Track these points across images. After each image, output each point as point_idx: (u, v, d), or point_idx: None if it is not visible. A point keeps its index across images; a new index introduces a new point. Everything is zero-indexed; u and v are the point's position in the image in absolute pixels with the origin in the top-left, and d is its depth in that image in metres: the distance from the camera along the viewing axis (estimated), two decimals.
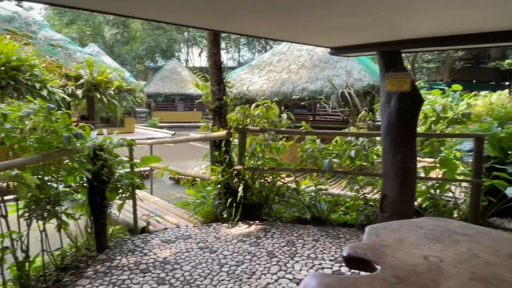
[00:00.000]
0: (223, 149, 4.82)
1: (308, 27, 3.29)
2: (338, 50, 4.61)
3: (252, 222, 4.76)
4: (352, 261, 1.90)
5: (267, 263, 3.59)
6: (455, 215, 4.85)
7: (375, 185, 5.08)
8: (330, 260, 3.70)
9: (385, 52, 4.35)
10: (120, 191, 3.81)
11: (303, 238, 4.26)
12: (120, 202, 3.94)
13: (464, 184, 5.01)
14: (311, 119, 12.00)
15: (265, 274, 3.36)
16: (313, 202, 5.04)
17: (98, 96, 12.23)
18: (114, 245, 3.96)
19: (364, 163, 5.10)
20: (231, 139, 5.00)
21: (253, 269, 3.45)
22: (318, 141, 5.14)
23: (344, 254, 1.91)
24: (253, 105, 5.12)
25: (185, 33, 40.19)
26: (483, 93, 10.28)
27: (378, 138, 5.59)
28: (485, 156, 5.14)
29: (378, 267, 1.76)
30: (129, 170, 3.99)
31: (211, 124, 5.19)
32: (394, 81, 4.26)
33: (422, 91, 8.98)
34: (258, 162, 5.00)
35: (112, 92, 12.92)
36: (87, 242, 3.81)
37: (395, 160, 4.25)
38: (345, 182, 5.45)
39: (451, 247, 1.97)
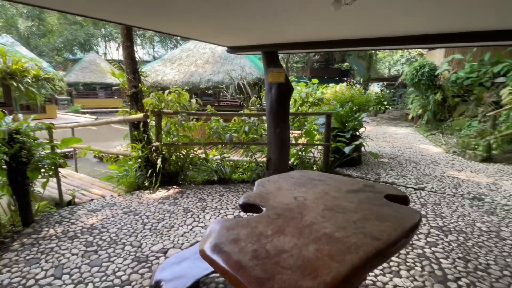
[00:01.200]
0: (142, 129, 4.45)
1: (209, 28, 3.17)
2: (233, 49, 4.57)
3: (170, 187, 4.57)
4: (246, 207, 1.97)
5: (183, 217, 3.52)
6: (315, 168, 5.41)
7: (263, 151, 5.33)
8: (232, 209, 3.80)
9: (267, 52, 4.48)
10: (43, 170, 3.23)
11: (212, 195, 4.28)
12: (44, 180, 3.37)
13: (320, 147, 5.57)
14: (216, 104, 11.88)
15: (181, 226, 3.29)
16: (219, 167, 5.08)
17: (15, 84, 10.06)
18: (41, 219, 3.37)
19: (255, 136, 5.30)
20: (148, 120, 4.64)
21: (171, 224, 3.33)
22: (221, 120, 5.14)
23: (240, 202, 1.97)
24: (166, 91, 4.79)
25: (102, 29, 35.16)
26: (331, 85, 11.50)
27: (264, 117, 5.83)
28: (332, 127, 5.81)
29: (264, 209, 1.87)
30: (50, 151, 3.41)
31: (129, 108, 4.72)
32: (274, 74, 4.43)
33: (293, 84, 9.65)
34: (174, 139, 4.77)
35: (29, 81, 10.75)
36: (12, 219, 3.18)
37: (276, 132, 4.49)
38: (242, 151, 5.60)
39: (311, 189, 2.19)
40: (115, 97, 25.31)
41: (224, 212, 3.67)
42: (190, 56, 8.77)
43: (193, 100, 5.01)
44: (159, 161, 4.40)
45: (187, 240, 3.00)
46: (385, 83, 23.66)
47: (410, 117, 11.57)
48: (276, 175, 2.45)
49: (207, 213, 3.64)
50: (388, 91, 19.94)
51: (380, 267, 2.52)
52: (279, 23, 2.85)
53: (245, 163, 5.42)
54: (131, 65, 4.48)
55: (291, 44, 4.17)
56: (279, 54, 4.54)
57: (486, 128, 7.05)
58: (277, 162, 4.56)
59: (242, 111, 5.66)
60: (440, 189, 4.59)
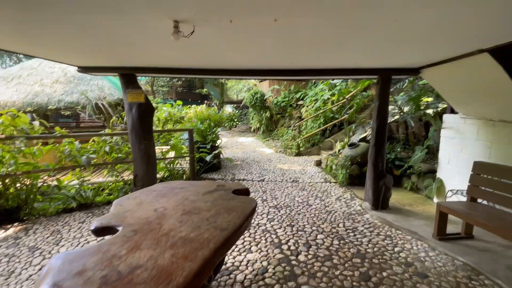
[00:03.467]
0: None
1: (55, 46, 2.44)
2: (85, 69, 3.76)
3: (10, 226, 3.21)
4: (99, 231, 1.58)
5: (29, 258, 2.51)
6: (184, 177, 5.19)
7: (130, 169, 4.62)
8: None
9: (124, 74, 3.94)
10: None
11: (69, 224, 3.29)
12: None
13: (187, 158, 5.39)
14: (75, 126, 9.46)
15: (26, 269, 2.33)
16: (78, 192, 3.99)
17: None
18: None
19: (120, 155, 4.52)
20: None
21: (11, 269, 2.31)
22: (76, 142, 4.08)
23: (91, 228, 1.56)
24: None
25: None
26: (193, 106, 11.55)
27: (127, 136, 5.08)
28: (195, 140, 5.78)
29: (120, 228, 1.55)
30: None
31: None
32: (132, 95, 3.94)
33: (159, 104, 9.02)
34: (9, 169, 3.38)
35: None
36: None
37: (140, 149, 3.98)
38: (105, 172, 4.64)
39: (172, 198, 2.02)
40: None
41: (85, 240, 2.88)
42: (34, 75, 6.56)
43: (36, 122, 3.74)
44: None
45: (34, 283, 2.14)
46: (235, 105, 26.00)
47: (252, 129, 13.17)
48: (138, 190, 2.12)
49: (63, 245, 2.75)
50: (237, 111, 22.00)
51: (237, 249, 2.62)
52: (131, 48, 2.53)
53: (110, 183, 4.52)
54: None
55: (148, 68, 3.85)
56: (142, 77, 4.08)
57: (295, 134, 8.89)
58: (145, 177, 4.04)
59: (102, 131, 4.69)
60: (274, 178, 5.36)
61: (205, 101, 26.46)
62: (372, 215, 3.52)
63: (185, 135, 5.76)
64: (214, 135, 5.75)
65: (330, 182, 5.12)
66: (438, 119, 4.34)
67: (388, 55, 2.65)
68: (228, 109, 28.26)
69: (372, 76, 3.92)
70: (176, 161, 5.02)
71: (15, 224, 3.29)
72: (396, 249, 2.64)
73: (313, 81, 11.68)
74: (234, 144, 10.38)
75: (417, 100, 4.67)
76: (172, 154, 5.19)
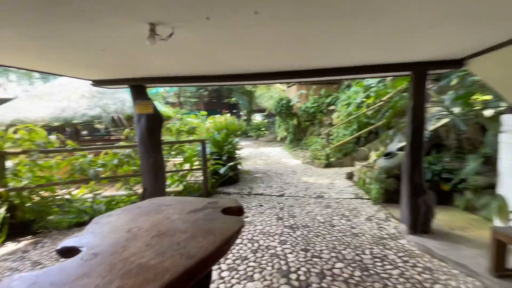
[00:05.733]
0: None
1: (68, 60, 2.67)
2: (98, 83, 4.04)
3: (22, 239, 3.47)
4: (64, 252, 1.57)
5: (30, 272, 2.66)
6: (201, 190, 5.17)
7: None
8: None
9: (134, 85, 4.14)
10: None
11: None
12: None
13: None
14: (106, 138, 10.28)
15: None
16: (90, 206, 4.22)
17: None
18: None
19: (135, 167, 4.72)
20: None
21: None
22: (91, 156, 4.36)
23: (57, 248, 1.56)
24: (11, 129, 3.75)
25: None
26: (217, 116, 11.84)
27: None
28: (211, 152, 5.82)
29: (83, 249, 1.52)
30: None
31: None
32: (141, 106, 4.10)
33: (184, 116, 9.36)
34: (25, 182, 3.71)
35: None
36: None
37: (148, 162, 4.10)
38: (119, 185, 4.87)
39: (153, 217, 1.95)
40: None
41: None
42: (63, 91, 7.38)
43: (52, 137, 4.09)
44: (1, 210, 3.30)
45: None
46: (264, 113, 26.16)
47: (278, 138, 12.98)
48: (121, 208, 2.11)
49: (63, 262, 2.86)
50: (266, 120, 22.05)
51: (237, 275, 2.46)
52: (142, 58, 2.64)
53: (124, 197, 4.71)
54: None
55: (157, 78, 3.99)
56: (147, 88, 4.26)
57: (325, 142, 8.49)
58: (153, 191, 4.12)
59: (116, 144, 4.97)
60: (295, 193, 5.10)
61: (234, 111, 27.24)
62: (409, 240, 3.09)
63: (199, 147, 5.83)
64: (230, 146, 5.72)
65: (362, 199, 4.70)
66: (495, 121, 3.73)
67: (422, 43, 2.32)
68: (257, 118, 28.53)
69: (404, 73, 3.55)
70: (190, 174, 5.08)
71: (28, 237, 3.55)
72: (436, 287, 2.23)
73: (346, 83, 11.20)
74: (258, 155, 10.30)
75: (467, 99, 4.10)
76: (187, 166, 5.27)
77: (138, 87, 4.18)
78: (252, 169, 7.46)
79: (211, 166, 5.10)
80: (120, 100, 7.34)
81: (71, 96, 7.26)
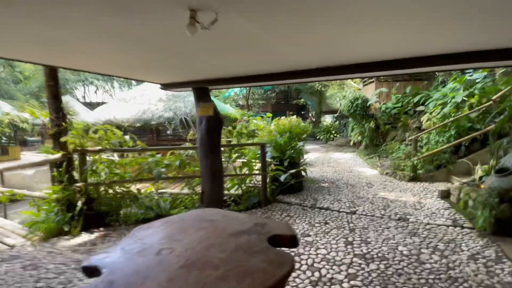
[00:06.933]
0: (63, 169, 3.79)
1: (138, 66, 2.84)
2: (166, 86, 4.22)
3: (96, 230, 3.83)
4: (89, 271, 1.45)
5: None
6: (260, 196, 4.92)
7: None
8: None
9: (197, 88, 4.17)
10: None
11: None
12: None
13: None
14: (175, 139, 11.28)
15: (81, 281, 2.58)
16: (156, 203, 4.45)
17: None
18: None
19: (197, 168, 4.81)
20: (75, 159, 4.01)
21: (71, 279, 2.63)
22: (159, 155, 4.63)
23: (81, 265, 1.44)
24: (91, 129, 4.23)
25: (81, 75, 33.67)
26: (282, 118, 11.53)
27: None
28: (272, 156, 5.50)
29: (104, 271, 1.35)
30: None
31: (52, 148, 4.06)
32: (203, 108, 4.08)
33: (251, 117, 9.42)
34: (101, 178, 4.13)
35: None
36: None
37: (207, 164, 4.06)
38: (184, 184, 5.04)
39: (191, 236, 1.66)
40: None
41: None
42: (145, 95, 8.32)
43: (127, 137, 4.46)
44: (79, 203, 3.71)
45: None
46: (335, 114, 24.63)
47: (351, 143, 11.78)
48: (164, 219, 1.96)
49: None
50: (336, 121, 20.64)
51: None
52: (198, 57, 2.57)
53: (187, 196, 4.83)
54: (54, 104, 3.92)
55: (218, 79, 3.89)
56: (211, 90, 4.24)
57: (411, 150, 7.16)
58: (211, 194, 4.05)
59: (183, 145, 5.17)
60: (370, 211, 4.32)
61: (303, 112, 26.54)
62: None
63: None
64: (293, 150, 5.30)
65: (463, 227, 3.62)
66: None
67: None
68: (328, 119, 27.10)
69: None
70: (250, 178, 4.88)
71: (101, 229, 3.91)
72: None
73: (440, 79, 9.36)
74: (326, 161, 9.51)
75: None
76: (247, 170, 5.10)
77: (201, 90, 4.19)
78: (318, 177, 6.84)
79: (271, 172, 4.78)
80: (192, 103, 7.80)
81: (151, 99, 8.09)
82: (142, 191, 4.48)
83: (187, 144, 5.11)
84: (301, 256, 2.93)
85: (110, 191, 4.25)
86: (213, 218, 1.91)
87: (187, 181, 4.82)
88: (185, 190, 5.11)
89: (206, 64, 2.86)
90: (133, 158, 4.25)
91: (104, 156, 4.10)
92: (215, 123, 4.11)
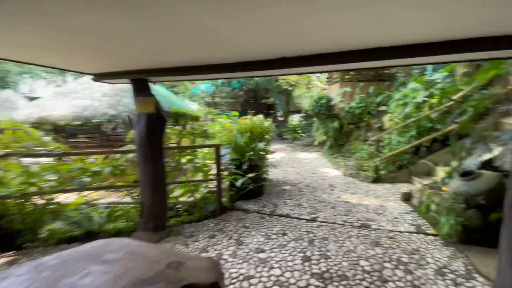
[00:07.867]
0: None
1: (68, 52, 2.19)
2: (99, 77, 3.53)
3: (3, 254, 3.08)
4: None
5: None
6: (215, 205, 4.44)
7: None
8: None
9: (135, 80, 3.55)
10: None
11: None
12: None
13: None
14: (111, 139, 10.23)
15: None
16: (85, 217, 3.73)
17: None
18: None
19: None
20: None
21: None
22: (93, 159, 3.90)
23: None
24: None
25: (24, 67, 30.00)
26: (248, 116, 11.10)
27: None
28: (232, 159, 5.03)
29: None
30: None
31: None
32: (142, 105, 3.47)
33: (217, 117, 8.80)
34: (12, 189, 3.33)
35: None
36: None
37: (146, 171, 3.46)
38: (125, 192, 4.35)
39: None
40: None
41: None
42: (88, 89, 7.34)
43: (48, 138, 3.69)
44: None
45: None
46: (303, 114, 24.84)
47: (316, 142, 11.75)
48: (35, 261, 1.38)
49: None
50: (303, 121, 20.77)
51: None
52: (139, 46, 2.03)
53: (130, 206, 4.15)
54: None
55: (160, 69, 3.29)
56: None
57: (373, 151, 7.15)
58: (151, 207, 3.47)
59: (122, 148, 4.48)
60: (332, 217, 4.04)
61: (271, 111, 26.44)
62: None
63: (222, 151, 5.09)
64: (253, 152, 4.88)
65: (426, 234, 3.47)
66: None
67: None
68: (295, 119, 27.32)
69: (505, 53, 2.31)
70: (201, 185, 4.36)
71: (10, 253, 3.14)
72: None
73: (401, 80, 9.60)
74: (290, 161, 9.28)
75: None
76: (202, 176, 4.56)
77: (140, 81, 3.58)
78: (280, 179, 6.52)
79: (227, 177, 4.31)
80: None
81: (95, 94, 7.15)
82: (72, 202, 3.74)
83: (130, 147, 4.43)
84: (251, 280, 2.50)
85: (27, 204, 3.46)
86: (111, 257, 1.38)
87: (127, 190, 4.16)
88: (128, 199, 4.44)
89: (142, 51, 2.34)
90: (53, 164, 3.49)
91: (13, 161, 3.30)
92: (156, 122, 3.52)
